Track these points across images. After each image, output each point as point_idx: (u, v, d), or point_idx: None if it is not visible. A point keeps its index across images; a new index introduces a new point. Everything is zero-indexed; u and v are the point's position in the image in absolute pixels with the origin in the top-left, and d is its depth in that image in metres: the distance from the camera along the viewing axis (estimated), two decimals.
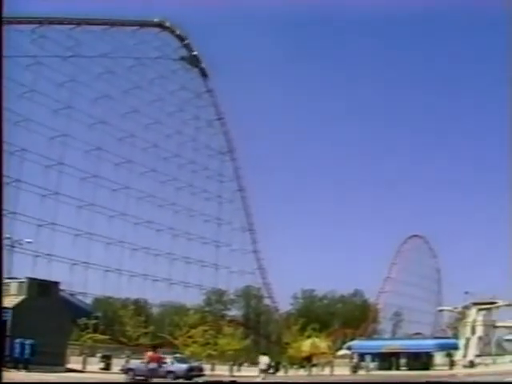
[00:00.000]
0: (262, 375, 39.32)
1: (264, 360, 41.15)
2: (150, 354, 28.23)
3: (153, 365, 27.28)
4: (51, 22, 63.72)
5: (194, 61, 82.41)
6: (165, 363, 32.18)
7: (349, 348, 75.22)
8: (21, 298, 34.10)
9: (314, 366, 62.26)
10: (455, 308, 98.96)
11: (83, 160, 66.01)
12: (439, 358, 72.20)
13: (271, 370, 43.00)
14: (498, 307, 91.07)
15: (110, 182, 68.40)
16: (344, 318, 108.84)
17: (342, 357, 74.01)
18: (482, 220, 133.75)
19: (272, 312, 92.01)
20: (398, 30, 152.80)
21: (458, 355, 78.96)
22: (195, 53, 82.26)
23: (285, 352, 66.53)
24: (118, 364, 40.45)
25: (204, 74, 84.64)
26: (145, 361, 28.97)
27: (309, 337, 64.07)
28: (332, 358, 66.51)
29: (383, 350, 69.41)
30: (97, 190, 66.89)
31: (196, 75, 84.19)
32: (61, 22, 65.41)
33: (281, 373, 56.85)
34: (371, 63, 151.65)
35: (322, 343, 65.70)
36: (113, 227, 68.61)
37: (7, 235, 45.68)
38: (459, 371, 57.90)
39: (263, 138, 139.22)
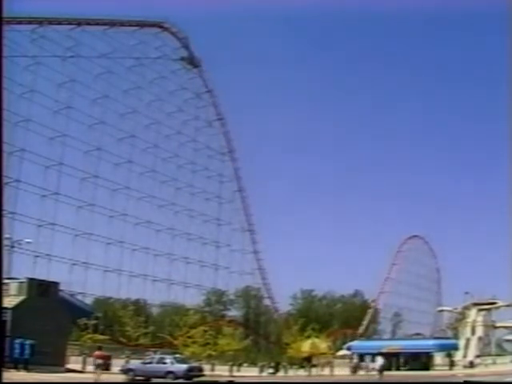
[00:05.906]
0: (378, 376, 39.66)
1: (379, 361, 41.34)
2: (96, 352, 31.62)
3: (99, 361, 30.93)
4: (51, 22, 63.87)
5: (193, 61, 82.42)
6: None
7: (349, 348, 75.13)
8: (21, 298, 33.96)
9: (314, 366, 62.19)
10: (455, 308, 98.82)
11: (83, 160, 66.36)
12: (439, 359, 72.04)
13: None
14: (498, 307, 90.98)
15: (109, 182, 68.61)
16: (344, 319, 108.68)
17: (342, 357, 73.91)
18: (481, 220, 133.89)
19: (272, 312, 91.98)
20: (400, 31, 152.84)
21: (458, 355, 78.84)
22: (195, 53, 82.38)
23: (285, 352, 66.47)
24: (117, 364, 40.39)
25: (203, 73, 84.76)
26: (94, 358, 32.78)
27: (308, 337, 63.98)
28: (332, 358, 66.39)
29: (383, 351, 69.25)
30: (97, 190, 67.26)
31: (196, 75, 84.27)
32: (60, 22, 65.57)
33: (281, 373, 56.88)
34: (373, 69, 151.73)
35: (322, 343, 65.59)
36: (112, 227, 68.93)
37: (7, 235, 45.62)
38: (459, 371, 57.80)
39: (263, 137, 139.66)
